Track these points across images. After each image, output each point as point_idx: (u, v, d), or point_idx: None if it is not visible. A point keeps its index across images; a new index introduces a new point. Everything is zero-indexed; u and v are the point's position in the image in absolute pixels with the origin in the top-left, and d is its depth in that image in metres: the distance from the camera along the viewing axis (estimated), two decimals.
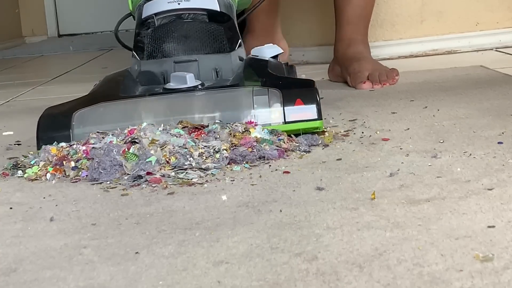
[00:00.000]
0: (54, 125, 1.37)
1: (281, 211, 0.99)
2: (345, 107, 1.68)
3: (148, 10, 1.50)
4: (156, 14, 1.50)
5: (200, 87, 1.42)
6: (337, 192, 1.05)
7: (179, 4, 1.49)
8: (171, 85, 1.42)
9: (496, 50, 2.52)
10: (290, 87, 1.38)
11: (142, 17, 1.51)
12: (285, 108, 1.35)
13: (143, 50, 1.50)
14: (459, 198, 0.98)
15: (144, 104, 1.39)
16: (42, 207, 1.10)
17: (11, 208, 1.11)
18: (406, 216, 0.92)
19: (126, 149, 1.23)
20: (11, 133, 1.71)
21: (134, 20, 1.57)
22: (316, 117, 1.34)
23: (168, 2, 1.49)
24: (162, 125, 1.34)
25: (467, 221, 0.89)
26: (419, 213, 0.93)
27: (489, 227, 0.86)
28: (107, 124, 1.36)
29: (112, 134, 1.32)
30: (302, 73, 2.35)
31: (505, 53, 2.45)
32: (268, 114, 1.35)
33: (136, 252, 0.88)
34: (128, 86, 1.47)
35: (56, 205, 1.11)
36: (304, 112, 1.35)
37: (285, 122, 1.35)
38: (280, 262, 0.81)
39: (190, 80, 1.41)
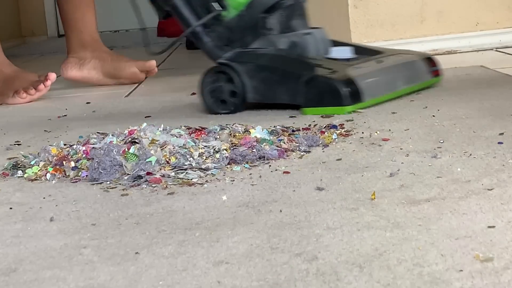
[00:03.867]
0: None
1: (281, 211, 0.99)
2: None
3: None
4: None
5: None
6: (337, 192, 1.05)
7: None
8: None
9: (496, 50, 2.52)
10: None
11: None
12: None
13: None
14: (459, 198, 0.98)
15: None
16: (42, 207, 1.10)
17: (11, 208, 1.11)
18: (406, 216, 0.92)
19: (126, 149, 1.23)
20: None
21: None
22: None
23: None
24: (162, 125, 1.34)
25: (467, 221, 0.89)
26: (419, 213, 0.93)
27: (489, 227, 0.86)
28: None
29: (112, 134, 1.32)
30: None
31: (505, 53, 2.45)
32: None
33: (136, 252, 0.88)
34: None
35: (56, 205, 1.11)
36: None
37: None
38: (280, 262, 0.81)
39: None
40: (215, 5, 1.82)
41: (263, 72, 1.69)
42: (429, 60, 1.84)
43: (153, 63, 2.45)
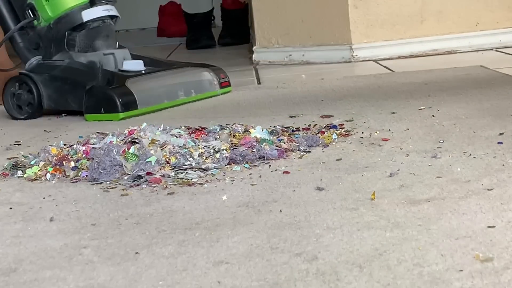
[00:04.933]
0: None
1: (281, 211, 0.99)
2: (345, 107, 1.68)
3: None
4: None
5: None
6: (337, 192, 1.05)
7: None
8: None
9: (496, 50, 2.52)
10: None
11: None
12: None
13: None
14: (459, 198, 0.98)
15: None
16: (42, 207, 1.10)
17: (11, 208, 1.11)
18: (406, 216, 0.92)
19: (126, 149, 1.23)
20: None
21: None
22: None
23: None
24: (162, 125, 1.34)
25: (467, 221, 0.89)
26: (419, 213, 0.93)
27: (489, 227, 0.86)
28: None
29: (112, 134, 1.32)
30: (302, 73, 2.35)
31: (505, 53, 2.45)
32: None
33: (136, 252, 0.88)
34: None
35: (56, 205, 1.11)
36: None
37: None
38: (280, 262, 0.81)
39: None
40: (30, 14, 1.98)
41: (57, 82, 1.89)
42: (218, 73, 2.06)
43: None
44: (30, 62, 1.95)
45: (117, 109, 1.78)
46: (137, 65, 1.96)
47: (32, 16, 1.96)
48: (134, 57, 2.00)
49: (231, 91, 2.06)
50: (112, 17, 1.98)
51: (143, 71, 1.95)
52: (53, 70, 1.92)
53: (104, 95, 1.80)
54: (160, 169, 1.20)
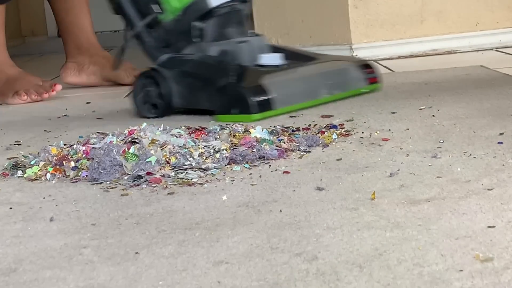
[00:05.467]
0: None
1: (281, 211, 0.99)
2: (345, 107, 1.68)
3: None
4: None
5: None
6: (337, 192, 1.05)
7: None
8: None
9: (496, 50, 2.52)
10: None
11: None
12: None
13: None
14: (459, 198, 0.98)
15: None
16: (42, 207, 1.10)
17: (11, 208, 1.11)
18: (406, 216, 0.92)
19: (126, 149, 1.23)
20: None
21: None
22: None
23: None
24: (162, 125, 1.34)
25: (467, 221, 0.89)
26: (419, 213, 0.93)
27: (489, 227, 0.86)
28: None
29: (112, 134, 1.32)
30: None
31: (505, 53, 2.45)
32: None
33: (136, 252, 0.88)
34: None
35: (56, 205, 1.11)
36: None
37: None
38: (280, 262, 0.81)
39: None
40: (155, 7, 1.83)
41: (188, 78, 1.73)
42: (366, 67, 1.84)
43: None
44: (159, 60, 1.79)
45: (251, 109, 1.60)
46: (275, 59, 1.75)
47: (159, 10, 1.80)
48: (273, 49, 1.82)
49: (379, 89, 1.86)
50: (243, 1, 1.81)
51: (281, 66, 1.75)
52: (183, 65, 1.75)
53: (237, 94, 1.62)
54: (160, 169, 1.20)
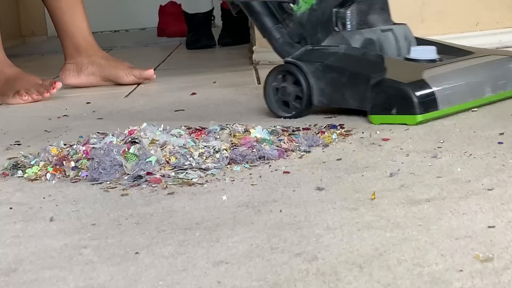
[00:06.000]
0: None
1: (281, 211, 0.99)
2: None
3: None
4: None
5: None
6: (337, 192, 1.05)
7: None
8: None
9: None
10: None
11: None
12: None
13: None
14: (459, 198, 0.98)
15: None
16: (42, 207, 1.10)
17: (11, 208, 1.11)
18: (406, 216, 0.92)
19: (126, 149, 1.23)
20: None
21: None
22: None
23: None
24: (162, 125, 1.34)
25: (467, 221, 0.89)
26: (419, 213, 0.93)
27: (489, 227, 0.86)
28: None
29: (112, 134, 1.32)
30: None
31: None
32: None
33: (136, 252, 0.88)
34: None
35: (56, 205, 1.11)
36: None
37: None
38: (280, 262, 0.81)
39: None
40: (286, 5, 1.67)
41: (331, 73, 1.54)
42: None
43: (150, 72, 2.44)
44: (295, 54, 1.62)
45: (415, 110, 1.41)
46: (429, 53, 1.57)
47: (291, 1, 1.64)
48: (418, 40, 1.66)
49: None
50: None
51: (437, 60, 1.57)
52: (326, 58, 1.56)
53: (398, 92, 1.42)
54: (160, 169, 1.20)
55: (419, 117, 1.41)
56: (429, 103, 1.42)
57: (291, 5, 1.64)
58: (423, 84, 1.43)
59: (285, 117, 1.59)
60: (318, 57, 1.57)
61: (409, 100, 1.41)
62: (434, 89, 1.43)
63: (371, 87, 1.46)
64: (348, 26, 1.59)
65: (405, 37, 1.63)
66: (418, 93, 1.41)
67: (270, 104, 1.62)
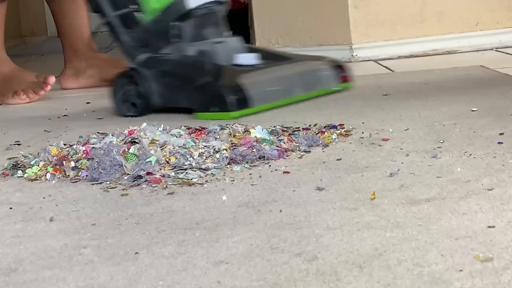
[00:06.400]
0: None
1: (281, 211, 0.99)
2: (345, 107, 1.68)
3: None
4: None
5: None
6: (337, 192, 1.05)
7: None
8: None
9: (496, 50, 2.52)
10: None
11: None
12: None
13: None
14: (459, 198, 0.98)
15: None
16: (42, 207, 1.10)
17: (11, 208, 1.11)
18: (406, 216, 0.92)
19: (126, 149, 1.23)
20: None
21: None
22: None
23: None
24: (162, 125, 1.34)
25: (467, 221, 0.89)
26: (419, 213, 0.93)
27: (489, 227, 0.86)
28: None
29: (112, 134, 1.32)
30: None
31: (505, 53, 2.45)
32: None
33: (136, 252, 0.88)
34: None
35: (56, 205, 1.11)
36: None
37: None
38: (280, 262, 0.81)
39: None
40: (133, 7, 1.89)
41: (167, 77, 1.79)
42: (338, 67, 1.91)
43: None
44: (138, 59, 1.85)
45: (229, 107, 1.67)
46: (251, 59, 1.81)
47: (135, 10, 1.87)
48: (249, 49, 1.88)
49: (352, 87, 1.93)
50: (219, 2, 1.87)
51: (257, 65, 1.81)
52: (162, 64, 1.81)
53: (215, 92, 1.69)
54: (160, 169, 1.20)
55: (234, 114, 1.66)
56: (242, 102, 1.68)
57: (139, 13, 1.87)
58: (237, 87, 1.69)
59: (127, 116, 1.81)
60: (156, 63, 1.82)
61: (224, 100, 1.67)
62: (247, 90, 1.69)
63: (196, 89, 1.72)
64: (184, 38, 1.83)
65: (235, 47, 1.84)
66: (232, 94, 1.68)
67: (116, 105, 1.86)
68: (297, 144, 1.31)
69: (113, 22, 1.90)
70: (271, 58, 1.87)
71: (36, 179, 1.26)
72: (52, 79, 2.26)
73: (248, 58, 1.80)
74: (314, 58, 1.93)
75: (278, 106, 1.73)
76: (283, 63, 1.85)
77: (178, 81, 1.77)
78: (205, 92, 1.70)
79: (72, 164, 1.26)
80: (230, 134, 1.33)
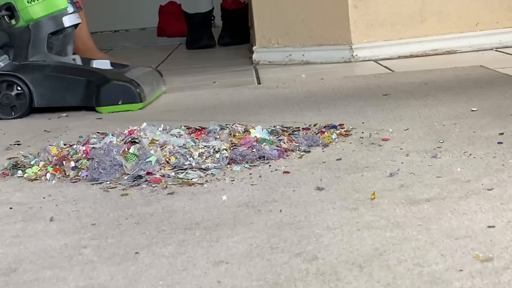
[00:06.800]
0: None
1: (281, 211, 0.99)
2: (345, 107, 1.68)
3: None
4: None
5: None
6: (337, 192, 1.05)
7: None
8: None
9: (496, 50, 2.52)
10: None
11: None
12: None
13: None
14: (459, 198, 0.98)
15: None
16: (42, 207, 1.10)
17: (11, 208, 1.11)
18: (406, 216, 0.92)
19: (126, 149, 1.23)
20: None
21: None
22: None
23: None
24: (162, 125, 1.34)
25: (467, 221, 0.89)
26: (419, 213, 0.93)
27: (489, 227, 0.86)
28: None
29: (112, 134, 1.32)
30: (302, 73, 2.35)
31: (505, 53, 2.45)
32: None
33: (136, 252, 0.88)
34: None
35: (56, 205, 1.11)
36: None
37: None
38: (280, 262, 0.81)
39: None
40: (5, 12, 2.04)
41: (51, 80, 1.97)
42: (159, 72, 2.23)
43: None
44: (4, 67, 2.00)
45: (138, 99, 1.91)
46: (106, 65, 2.09)
47: (8, 15, 2.02)
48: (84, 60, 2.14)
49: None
50: (76, 26, 2.09)
51: (111, 69, 2.07)
52: (43, 69, 1.98)
53: (123, 87, 1.92)
54: (160, 169, 1.20)
55: (141, 105, 1.91)
56: (143, 94, 1.94)
57: (9, 19, 2.02)
58: (134, 82, 1.94)
59: (9, 119, 1.94)
60: (35, 69, 1.98)
61: (132, 92, 1.92)
62: (141, 85, 1.95)
63: (97, 86, 1.93)
64: (53, 51, 2.03)
65: (82, 60, 2.11)
66: (136, 88, 1.93)
67: None
68: (297, 144, 1.31)
69: None
70: (113, 65, 2.12)
71: (36, 179, 1.26)
72: None
73: (103, 64, 2.09)
74: (142, 66, 2.20)
75: (155, 99, 2.04)
76: (131, 68, 2.09)
77: (66, 83, 1.96)
78: (110, 89, 1.92)
79: (72, 164, 1.26)
80: (230, 134, 1.33)
